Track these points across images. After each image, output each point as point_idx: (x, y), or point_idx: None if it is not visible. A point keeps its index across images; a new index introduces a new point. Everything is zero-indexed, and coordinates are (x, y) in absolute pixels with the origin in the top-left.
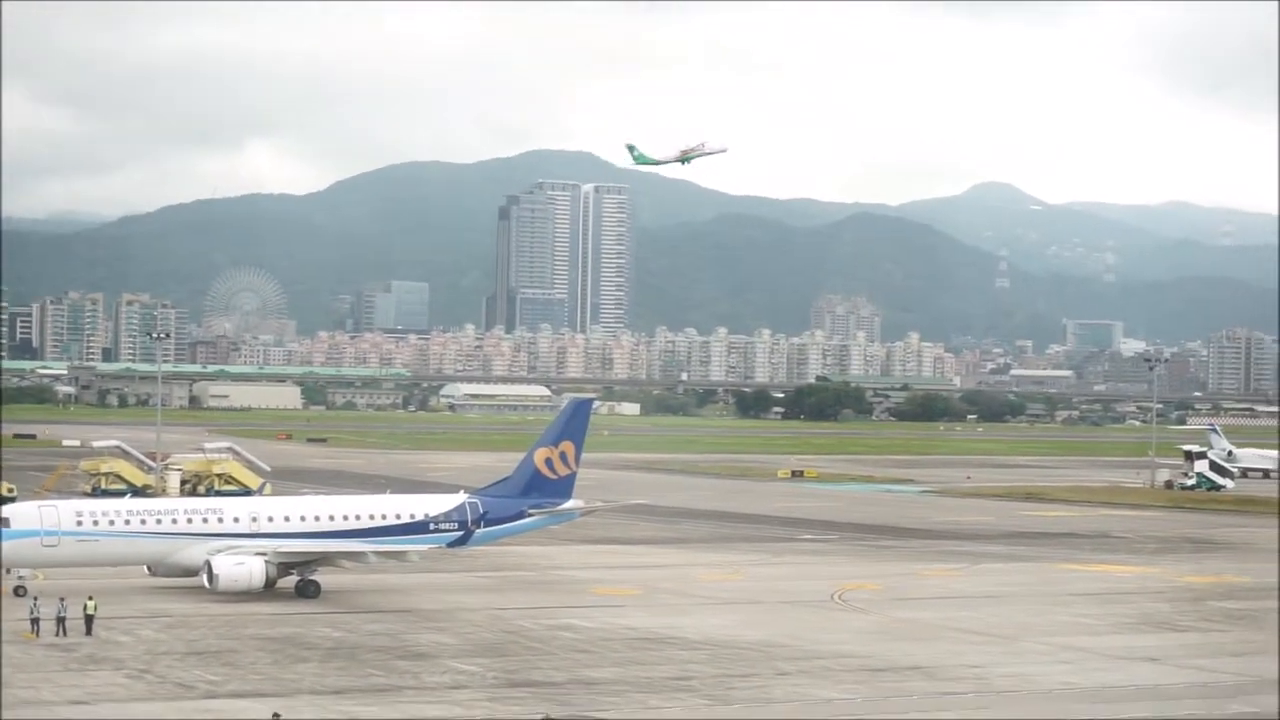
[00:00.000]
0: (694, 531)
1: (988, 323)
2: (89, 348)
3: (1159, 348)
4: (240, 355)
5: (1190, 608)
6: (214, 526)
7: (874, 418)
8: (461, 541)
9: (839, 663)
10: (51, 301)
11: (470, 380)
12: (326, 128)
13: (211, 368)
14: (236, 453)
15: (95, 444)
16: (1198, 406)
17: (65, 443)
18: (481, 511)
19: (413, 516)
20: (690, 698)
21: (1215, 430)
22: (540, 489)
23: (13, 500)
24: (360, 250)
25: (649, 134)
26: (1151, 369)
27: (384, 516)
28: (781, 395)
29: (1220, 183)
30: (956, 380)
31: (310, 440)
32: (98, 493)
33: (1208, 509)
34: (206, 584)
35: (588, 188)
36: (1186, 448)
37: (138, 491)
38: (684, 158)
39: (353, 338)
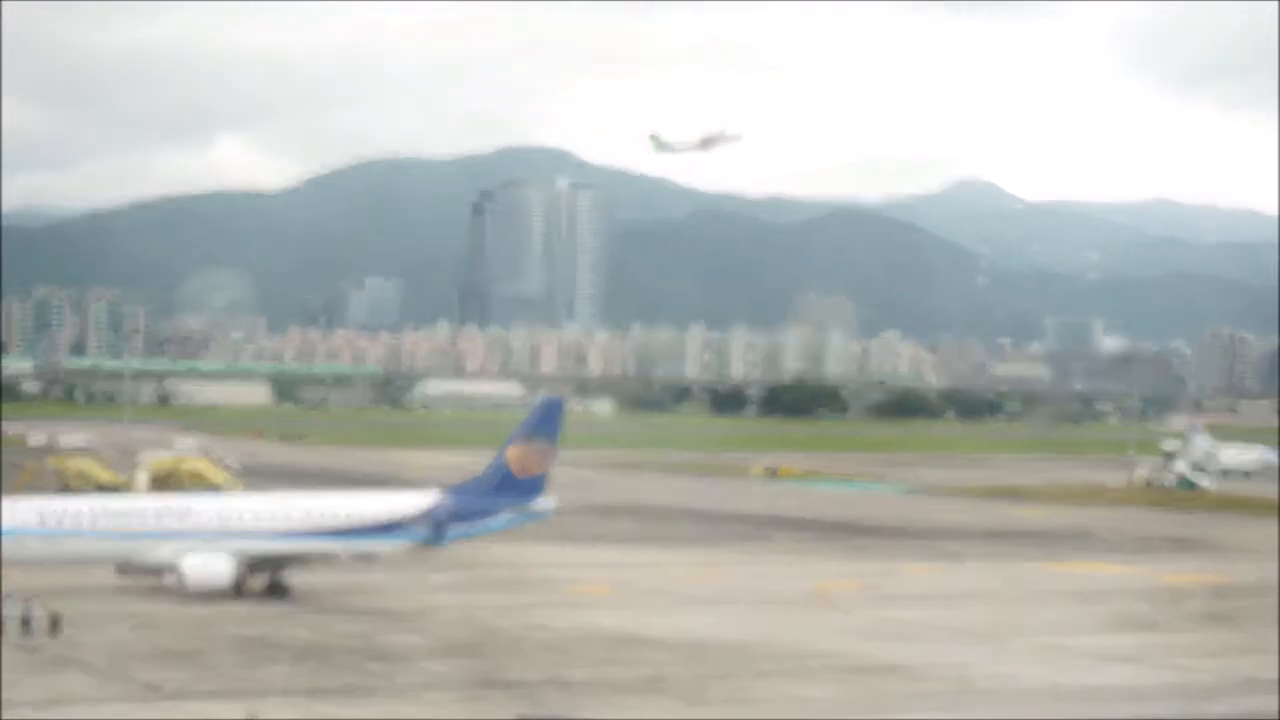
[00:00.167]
0: (670, 530)
1: (967, 320)
2: (57, 343)
3: (1140, 345)
4: (210, 352)
5: (1169, 607)
6: (182, 525)
7: (850, 415)
8: (433, 540)
9: (818, 662)
10: (18, 297)
11: (443, 377)
12: (298, 123)
13: (181, 364)
14: (207, 450)
15: (63, 441)
16: (1178, 404)
17: (31, 440)
18: (453, 510)
19: (384, 515)
20: (666, 698)
21: (1196, 428)
22: (513, 487)
23: None
24: (332, 246)
25: (623, 130)
26: (1131, 367)
27: (354, 515)
28: (757, 392)
29: (1203, 180)
30: (934, 378)
31: (281, 438)
32: (65, 491)
33: (1188, 508)
34: (175, 584)
35: (562, 184)
36: (1166, 446)
37: (106, 490)
38: (704, 145)
39: (324, 334)
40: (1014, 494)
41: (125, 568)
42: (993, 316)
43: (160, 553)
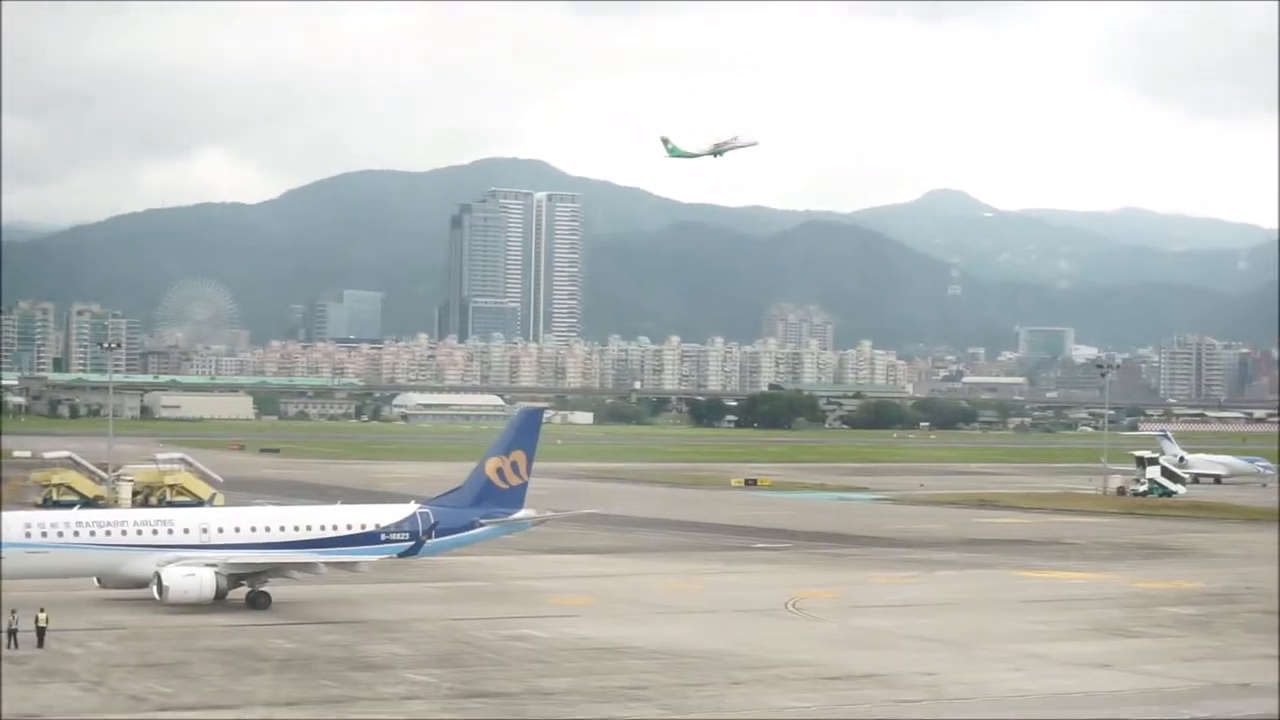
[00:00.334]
0: (648, 541)
1: (940, 330)
2: (40, 358)
3: (1110, 354)
4: (192, 365)
5: (1142, 613)
6: (164, 538)
7: (827, 426)
8: (412, 552)
9: (794, 671)
10: (1, 312)
11: (423, 390)
12: (278, 136)
13: (163, 378)
14: (189, 463)
15: (46, 455)
16: (1149, 412)
17: (16, 454)
18: (433, 521)
19: (363, 527)
20: (645, 707)
21: (1167, 436)
22: (492, 498)
23: None
24: (313, 259)
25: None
26: (1103, 375)
27: (335, 527)
28: (734, 404)
29: (1173, 189)
30: (909, 388)
31: (263, 450)
32: (49, 504)
33: (1160, 515)
34: (156, 595)
35: (540, 196)
36: (1139, 453)
37: (89, 503)
38: (716, 151)
39: (305, 347)
40: (988, 502)
41: (106, 580)
42: (964, 326)
43: (141, 565)
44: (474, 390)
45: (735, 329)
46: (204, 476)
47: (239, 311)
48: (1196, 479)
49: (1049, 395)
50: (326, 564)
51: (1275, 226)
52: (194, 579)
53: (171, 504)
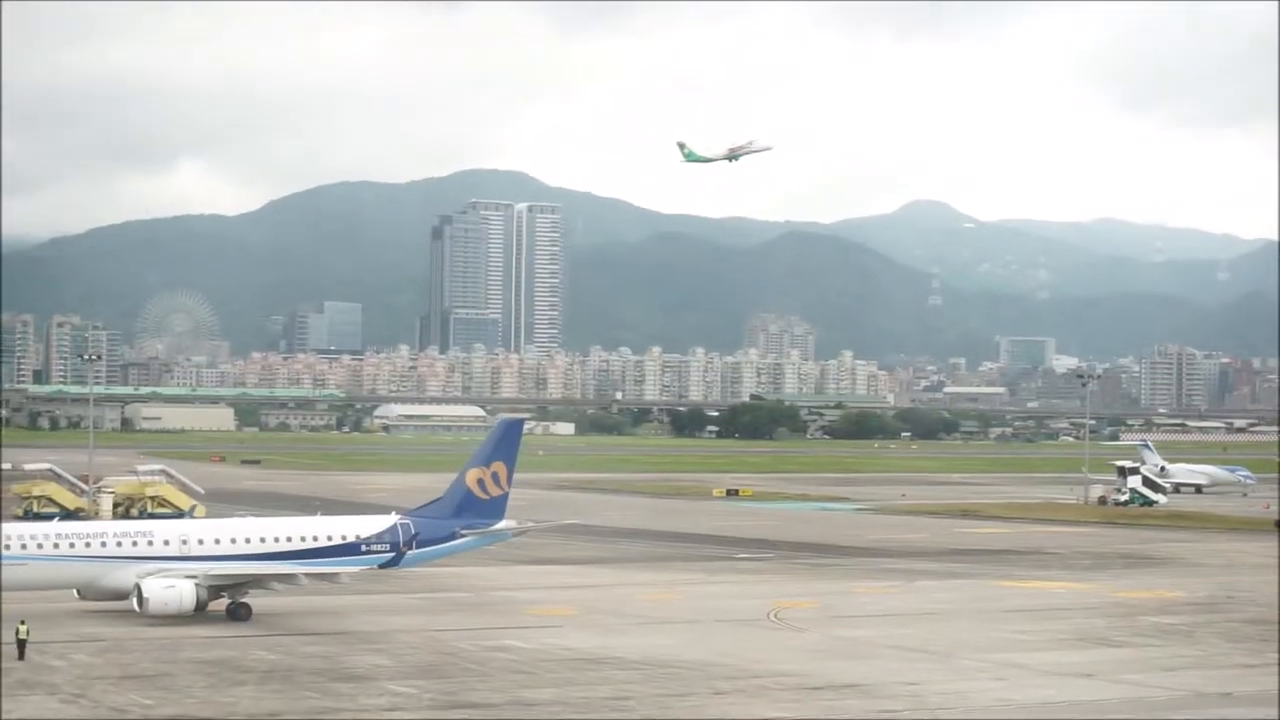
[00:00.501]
0: (630, 551)
1: (921, 340)
2: (20, 370)
3: (1091, 364)
4: (173, 377)
5: (1124, 623)
6: (144, 549)
7: (808, 436)
8: (393, 563)
9: (776, 681)
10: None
11: (404, 401)
12: (258, 147)
13: (144, 389)
14: (169, 475)
15: (27, 467)
16: (1130, 422)
17: None
18: (413, 532)
19: (344, 538)
20: (628, 718)
21: (1147, 446)
22: (472, 509)
23: None
24: (293, 271)
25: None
26: (1084, 385)
27: (315, 538)
28: (716, 414)
29: (1153, 200)
30: (890, 398)
31: (244, 462)
32: (29, 516)
33: (1141, 524)
34: (136, 607)
35: (521, 207)
36: (1120, 463)
37: (70, 514)
38: (732, 155)
39: (286, 359)
40: (970, 512)
41: (86, 592)
42: (945, 337)
43: (121, 576)
44: (455, 401)
45: (716, 339)
46: (185, 488)
47: (219, 323)
48: (1178, 488)
49: (1030, 405)
50: (307, 575)
51: (1254, 237)
52: (174, 591)
53: (152, 516)
